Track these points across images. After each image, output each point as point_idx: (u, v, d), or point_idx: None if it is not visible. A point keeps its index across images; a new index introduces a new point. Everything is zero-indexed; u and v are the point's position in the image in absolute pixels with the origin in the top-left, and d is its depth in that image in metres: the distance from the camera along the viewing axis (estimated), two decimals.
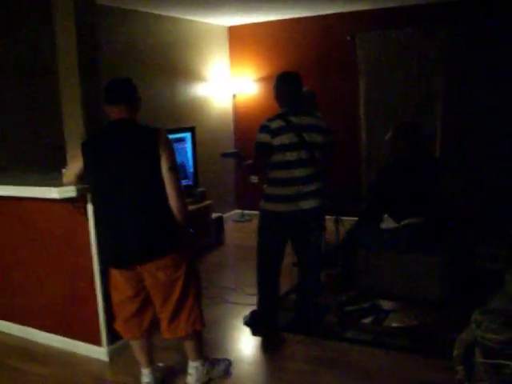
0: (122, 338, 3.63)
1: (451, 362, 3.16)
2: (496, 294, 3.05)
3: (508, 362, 2.37)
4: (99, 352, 3.62)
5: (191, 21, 6.66)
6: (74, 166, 3.02)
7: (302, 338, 3.86)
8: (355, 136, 6.64)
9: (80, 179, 3.06)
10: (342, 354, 3.61)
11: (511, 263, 4.44)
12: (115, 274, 2.98)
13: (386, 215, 4.39)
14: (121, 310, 3.06)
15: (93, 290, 3.53)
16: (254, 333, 3.96)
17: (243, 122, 7.42)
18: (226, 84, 7.35)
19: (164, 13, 6.13)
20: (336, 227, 5.52)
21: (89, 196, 3.36)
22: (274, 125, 3.62)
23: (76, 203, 3.41)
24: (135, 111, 2.92)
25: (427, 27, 6.10)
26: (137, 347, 3.15)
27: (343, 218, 5.59)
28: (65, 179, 3.16)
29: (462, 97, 6.08)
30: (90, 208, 3.38)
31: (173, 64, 6.38)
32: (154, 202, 2.79)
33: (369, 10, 6.38)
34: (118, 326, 3.13)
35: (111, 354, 3.62)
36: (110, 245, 2.89)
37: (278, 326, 4.00)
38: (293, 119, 3.64)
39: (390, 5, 6.16)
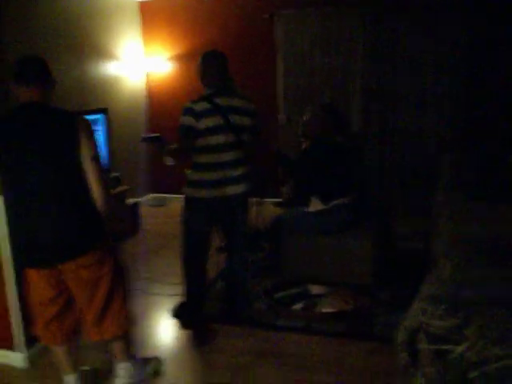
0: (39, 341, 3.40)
1: (389, 345, 3.17)
2: (428, 278, 3.03)
3: (453, 348, 2.34)
4: (13, 358, 3.30)
5: None
6: None
7: (232, 328, 3.74)
8: (272, 119, 6.53)
9: None
10: (274, 343, 3.52)
11: (429, 242, 4.52)
12: (32, 275, 2.68)
13: (313, 198, 4.31)
14: (40, 312, 2.76)
15: (2, 289, 3.20)
16: (184, 326, 3.78)
17: (157, 103, 7.13)
18: (139, 62, 7.00)
19: None
20: (257, 210, 5.42)
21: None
22: (199, 107, 3.41)
23: None
24: (48, 94, 2.63)
25: (346, 6, 6.05)
26: (59, 353, 2.87)
27: (264, 200, 5.51)
28: None
29: (380, 75, 6.11)
30: (1, 203, 3.05)
31: (81, 40, 5.96)
32: (72, 195, 2.54)
33: None
34: (38, 330, 2.83)
35: (28, 360, 3.31)
36: (26, 242, 2.59)
37: (207, 317, 3.85)
38: (219, 101, 3.45)
39: None
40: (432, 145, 6.02)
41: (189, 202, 3.61)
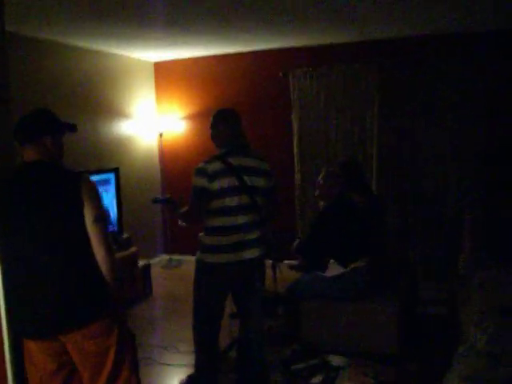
0: None
1: None
2: (461, 352, 2.78)
3: None
4: None
5: (115, 55, 6.28)
6: None
7: None
8: (289, 176, 6.40)
9: None
10: None
11: (455, 307, 4.26)
12: (31, 347, 2.45)
13: (331, 261, 4.08)
14: None
15: (2, 365, 2.98)
16: None
17: (171, 162, 7.04)
18: (152, 122, 6.96)
19: (86, 45, 5.71)
20: (274, 273, 5.20)
21: None
22: (212, 167, 3.26)
23: None
24: (56, 149, 2.46)
25: (358, 63, 6.01)
26: None
27: (280, 263, 5.31)
28: None
29: (395, 131, 5.99)
30: None
31: (95, 100, 5.95)
32: (76, 260, 2.35)
33: (301, 47, 6.24)
34: None
35: None
36: (24, 312, 2.37)
37: None
38: (232, 161, 3.31)
39: (322, 42, 6.04)
40: (454, 203, 5.81)
41: (202, 267, 3.42)
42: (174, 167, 6.97)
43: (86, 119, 5.76)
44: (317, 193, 4.35)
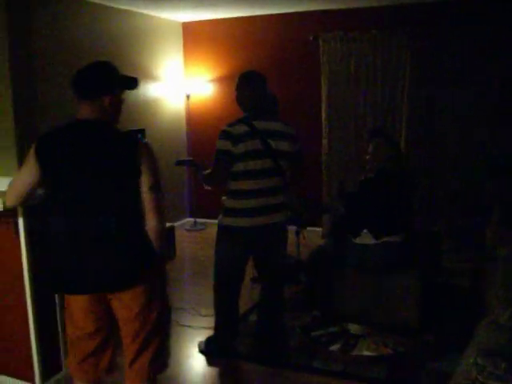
0: (57, 372, 3.22)
1: None
2: (483, 325, 2.73)
3: None
4: None
5: (142, 14, 6.20)
6: (21, 180, 2.35)
7: (263, 368, 3.47)
8: (316, 142, 6.31)
9: (27, 198, 2.42)
10: None
11: (479, 280, 4.19)
12: (73, 305, 2.41)
13: (365, 230, 4.01)
14: (76, 347, 2.50)
15: (25, 319, 3.03)
16: (211, 362, 3.54)
17: (197, 125, 6.99)
18: (179, 84, 6.90)
19: (113, 4, 5.64)
20: (297, 240, 5.18)
21: (20, 209, 2.88)
22: (236, 130, 3.21)
23: (4, 218, 2.91)
24: (114, 109, 2.35)
25: (391, 29, 5.83)
26: None
27: (304, 229, 5.27)
28: (8, 201, 2.46)
29: (426, 101, 5.84)
30: (21, 224, 2.90)
31: (122, 60, 5.84)
32: (132, 221, 2.33)
33: (332, 10, 6.07)
34: (70, 365, 2.56)
35: None
36: (74, 267, 2.30)
37: (237, 354, 3.60)
38: (257, 124, 3.25)
39: (355, 5, 5.87)
40: (483, 171, 5.66)
41: (224, 231, 3.41)
42: (200, 130, 6.92)
43: None
44: (368, 163, 4.22)
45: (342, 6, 5.95)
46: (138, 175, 2.27)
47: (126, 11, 5.92)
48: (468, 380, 2.19)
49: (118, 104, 2.38)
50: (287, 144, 3.34)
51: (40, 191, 2.44)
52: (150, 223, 2.33)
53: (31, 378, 3.13)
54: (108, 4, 5.59)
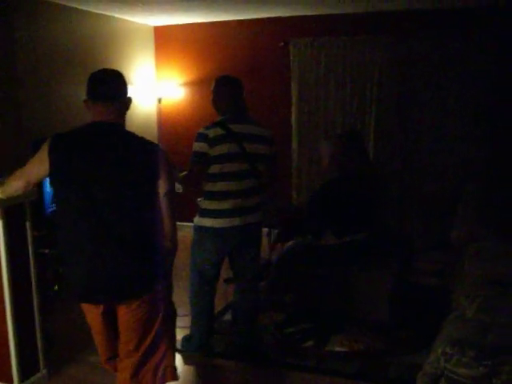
0: (35, 373, 3.25)
1: None
2: (451, 319, 2.86)
3: None
4: None
5: (115, 18, 6.21)
6: (30, 170, 2.38)
7: (238, 364, 3.57)
8: (286, 146, 6.42)
9: (32, 188, 2.49)
10: (284, 382, 3.34)
11: (451, 280, 4.35)
12: (88, 311, 2.43)
13: (326, 231, 4.13)
14: (100, 349, 2.56)
15: (3, 319, 3.04)
16: (188, 360, 3.61)
17: (169, 128, 7.01)
18: (151, 87, 6.93)
19: (86, 8, 5.64)
20: (268, 241, 5.28)
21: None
22: (212, 133, 3.29)
23: None
24: (124, 114, 2.42)
25: (360, 35, 5.98)
26: None
27: (276, 230, 5.38)
28: (8, 188, 2.52)
29: (394, 103, 6.01)
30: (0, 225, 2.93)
31: (94, 63, 5.86)
32: (146, 228, 2.33)
33: (302, 16, 6.19)
34: (103, 363, 2.62)
35: None
36: (84, 276, 2.29)
37: (213, 352, 3.68)
38: (233, 127, 3.34)
39: (324, 12, 5.99)
40: (452, 175, 5.86)
41: (200, 231, 3.48)
42: (171, 133, 6.94)
43: (82, 83, 5.64)
44: (324, 165, 4.29)
45: (312, 13, 6.07)
46: (157, 180, 2.31)
47: (98, 15, 5.93)
48: (437, 369, 2.32)
49: (129, 106, 2.44)
50: (263, 147, 3.44)
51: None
52: (166, 226, 2.38)
53: (9, 379, 3.13)
54: (80, 7, 5.59)
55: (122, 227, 2.26)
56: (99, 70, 2.45)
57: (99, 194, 2.23)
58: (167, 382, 2.55)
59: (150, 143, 2.41)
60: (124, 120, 2.44)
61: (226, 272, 4.01)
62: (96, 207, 2.23)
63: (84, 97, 2.44)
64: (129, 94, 2.47)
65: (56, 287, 4.47)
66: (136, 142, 2.37)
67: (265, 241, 4.64)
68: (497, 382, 2.11)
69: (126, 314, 2.37)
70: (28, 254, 3.12)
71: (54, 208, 2.41)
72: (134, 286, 2.31)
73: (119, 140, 2.34)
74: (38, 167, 2.34)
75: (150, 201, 2.33)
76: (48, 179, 2.39)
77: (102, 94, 2.35)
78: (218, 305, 4.00)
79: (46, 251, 4.09)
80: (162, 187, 2.34)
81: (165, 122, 7.05)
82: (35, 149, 4.12)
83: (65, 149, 2.28)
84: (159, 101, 6.95)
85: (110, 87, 2.38)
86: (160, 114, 7.03)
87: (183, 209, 3.32)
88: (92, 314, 2.40)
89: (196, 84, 6.79)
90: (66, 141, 2.31)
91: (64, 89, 5.42)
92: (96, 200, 2.23)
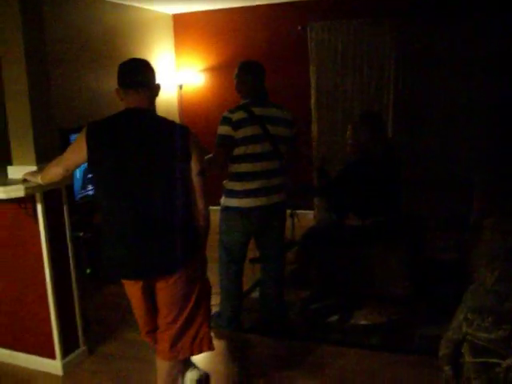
0: (76, 349, 3.44)
1: (428, 358, 3.13)
2: (471, 290, 2.98)
3: (499, 361, 2.29)
4: (53, 366, 3.33)
5: (134, 7, 6.35)
6: (68, 157, 2.54)
7: (267, 339, 3.72)
8: (306, 128, 6.52)
9: (70, 174, 2.67)
10: (311, 355, 3.48)
11: (468, 253, 4.44)
12: (129, 286, 2.57)
13: (350, 212, 4.23)
14: (141, 322, 2.69)
15: (45, 299, 3.23)
16: (219, 336, 3.76)
17: (190, 114, 7.16)
18: (172, 75, 7.07)
19: None
20: (292, 222, 5.41)
21: (38, 196, 3.07)
22: (236, 116, 3.42)
23: (23, 204, 3.10)
24: (154, 101, 2.55)
25: (377, 18, 6.03)
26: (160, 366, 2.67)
27: (298, 211, 5.52)
28: (47, 175, 2.72)
29: (412, 87, 6.06)
30: (39, 209, 3.09)
31: (114, 52, 6.03)
32: (182, 207, 2.46)
33: (320, 0, 6.25)
34: (143, 336, 2.75)
35: (65, 368, 3.33)
36: (124, 254, 2.42)
37: (242, 328, 3.84)
38: (256, 110, 3.46)
39: None
40: (468, 154, 5.91)
41: (226, 211, 3.61)
42: (193, 119, 7.08)
43: (103, 72, 5.84)
44: (348, 148, 4.36)
45: None
46: (189, 160, 2.43)
47: (118, 4, 6.07)
48: (459, 334, 2.44)
49: (158, 93, 2.56)
50: (284, 129, 3.56)
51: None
52: (199, 206, 2.51)
53: (52, 355, 3.33)
54: None
55: (158, 207, 2.39)
56: (128, 60, 2.56)
57: (135, 176, 2.37)
58: (203, 351, 2.68)
59: (181, 126, 2.54)
60: (154, 106, 2.56)
61: (252, 252, 4.15)
62: (133, 189, 2.37)
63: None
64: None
65: (88, 270, 4.66)
66: (167, 125, 2.49)
67: (288, 222, 4.79)
68: None
69: (163, 289, 2.51)
70: (66, 237, 3.30)
71: (94, 192, 2.57)
72: (170, 262, 2.44)
73: (152, 124, 2.47)
74: (76, 154, 2.49)
75: (184, 181, 2.45)
76: (86, 165, 2.54)
77: (133, 83, 2.46)
78: (246, 283, 4.15)
79: (81, 234, 4.29)
80: (195, 168, 2.46)
81: (186, 107, 7.20)
82: (63, 137, 4.35)
83: (101, 135, 2.42)
84: (180, 87, 7.09)
85: (140, 75, 2.48)
86: (181, 100, 7.18)
87: (211, 192, 3.43)
88: (132, 289, 2.54)
89: (215, 70, 6.91)
90: (102, 128, 2.45)
91: (87, 78, 5.60)
92: (133, 182, 2.37)
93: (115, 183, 2.40)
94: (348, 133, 4.30)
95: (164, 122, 2.51)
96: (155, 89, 2.55)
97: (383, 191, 4.19)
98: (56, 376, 3.32)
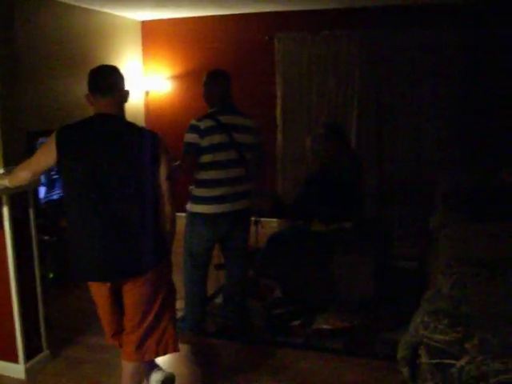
0: (39, 353, 3.42)
1: (389, 362, 3.23)
2: (428, 295, 3.09)
3: (453, 362, 2.40)
4: (16, 370, 3.30)
5: (103, 13, 6.34)
6: (37, 161, 2.56)
7: (230, 344, 3.78)
8: (271, 137, 6.61)
9: (38, 178, 2.71)
10: (274, 358, 3.55)
11: (427, 262, 4.59)
12: (94, 289, 2.60)
13: (314, 219, 4.35)
14: (106, 324, 2.71)
15: (9, 302, 3.21)
16: (182, 340, 3.79)
17: (156, 120, 7.16)
18: (139, 80, 7.08)
19: (74, 2, 5.77)
20: (256, 229, 5.47)
21: (5, 198, 3.07)
22: (204, 124, 3.49)
23: None
24: (123, 106, 2.60)
25: (343, 30, 6.19)
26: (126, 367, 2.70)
27: (262, 219, 5.58)
28: (16, 178, 2.70)
29: (376, 96, 6.23)
30: (6, 212, 3.09)
31: (81, 57, 6.00)
32: (151, 211, 2.52)
33: (288, 12, 6.37)
34: (108, 340, 2.78)
35: (28, 372, 3.31)
36: (90, 257, 2.46)
37: (206, 332, 3.88)
38: (222, 119, 3.54)
39: (309, 7, 6.18)
40: (429, 166, 6.11)
41: (193, 217, 3.67)
42: (158, 125, 7.04)
43: (71, 76, 5.79)
44: (309, 157, 4.51)
45: (297, 8, 6.26)
46: (158, 165, 2.50)
47: (85, 9, 6.04)
48: (416, 337, 2.54)
49: (127, 99, 2.61)
50: (250, 137, 3.65)
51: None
52: (166, 209, 2.57)
53: (15, 359, 3.30)
54: (69, 2, 5.71)
55: (127, 211, 2.45)
56: (98, 66, 2.61)
57: (104, 180, 2.42)
58: (168, 352, 2.74)
59: (150, 132, 2.60)
60: (124, 111, 2.61)
61: (217, 257, 4.21)
62: (102, 192, 2.42)
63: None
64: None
65: (51, 275, 4.63)
66: (137, 130, 2.56)
67: (252, 229, 4.86)
68: (468, 346, 2.33)
69: (131, 291, 2.55)
70: (31, 240, 3.29)
71: (63, 195, 2.60)
72: (138, 263, 2.49)
73: (121, 129, 2.52)
74: (45, 158, 2.52)
75: (152, 185, 2.51)
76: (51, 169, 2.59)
77: (102, 88, 2.51)
78: (211, 288, 4.20)
79: (46, 238, 4.27)
80: (163, 173, 2.53)
81: (152, 113, 7.21)
82: (29, 140, 4.34)
83: (71, 139, 2.46)
84: (147, 93, 7.11)
85: (109, 81, 2.54)
86: (147, 106, 7.19)
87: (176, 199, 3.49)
88: (100, 291, 2.57)
89: (182, 77, 6.95)
90: (72, 132, 2.49)
91: (55, 82, 5.57)
92: (102, 186, 2.42)
93: (84, 187, 2.43)
94: (307, 144, 4.44)
95: (133, 128, 2.57)
96: (124, 95, 2.60)
97: (344, 199, 4.32)
98: (19, 380, 3.29)
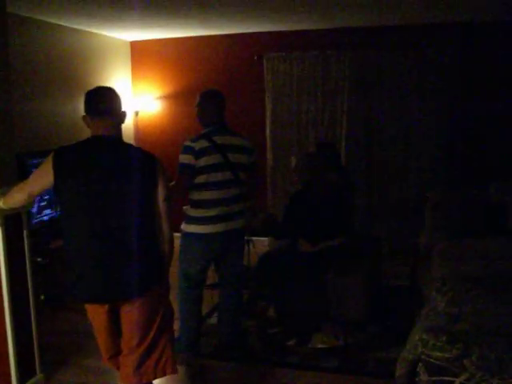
0: (32, 376, 3.38)
1: (382, 380, 3.24)
2: (423, 312, 3.11)
3: (453, 379, 2.41)
4: None
5: (93, 33, 6.37)
6: (33, 182, 2.54)
7: (226, 364, 3.76)
8: (261, 157, 6.62)
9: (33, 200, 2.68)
10: (270, 378, 3.54)
11: (418, 279, 4.61)
12: (91, 311, 2.59)
13: (301, 239, 4.36)
14: (103, 346, 2.70)
15: (2, 325, 3.17)
16: (177, 361, 3.77)
17: (146, 140, 7.16)
18: (128, 100, 7.09)
19: (63, 23, 5.79)
20: (248, 248, 5.46)
21: None
22: (198, 145, 3.50)
23: None
24: (120, 127, 2.59)
25: (331, 50, 6.28)
26: None
27: (254, 238, 5.58)
28: (11, 199, 2.68)
29: (365, 114, 6.31)
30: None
31: (70, 77, 6.02)
32: (149, 232, 2.52)
33: (276, 32, 6.46)
34: (105, 362, 2.77)
35: None
36: (91, 279, 2.44)
37: (201, 353, 3.86)
38: (217, 139, 3.55)
39: (297, 28, 6.26)
40: (417, 184, 6.18)
41: (187, 237, 3.66)
42: (148, 145, 7.04)
43: (61, 96, 5.82)
44: (295, 176, 4.54)
45: (285, 29, 6.34)
46: (156, 187, 2.50)
47: (75, 30, 6.07)
48: (414, 354, 2.56)
49: (124, 120, 2.62)
50: (244, 157, 3.66)
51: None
52: (164, 231, 2.57)
53: (8, 383, 3.26)
54: (57, 23, 5.73)
55: (124, 232, 2.44)
56: (95, 88, 2.61)
57: (102, 202, 2.41)
58: (167, 374, 2.71)
59: (147, 153, 2.60)
60: (121, 132, 2.62)
61: (212, 277, 4.19)
62: (100, 214, 2.41)
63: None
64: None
65: (42, 297, 4.59)
66: (134, 152, 2.57)
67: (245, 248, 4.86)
68: (467, 363, 2.35)
69: (129, 312, 2.53)
70: (25, 262, 3.27)
71: (59, 217, 2.59)
72: (136, 285, 2.48)
73: (119, 151, 2.53)
74: (41, 179, 2.51)
75: (150, 206, 2.52)
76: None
77: (100, 110, 2.51)
78: (205, 308, 4.18)
79: (38, 260, 4.23)
80: (161, 194, 2.54)
81: (142, 134, 7.21)
82: (20, 161, 4.32)
83: (68, 161, 2.45)
84: (136, 114, 7.12)
85: (106, 103, 2.54)
86: (137, 126, 7.20)
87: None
88: (97, 313, 2.56)
89: (172, 97, 6.98)
90: (69, 154, 2.48)
91: (45, 102, 5.56)
92: (99, 208, 2.41)
93: (82, 209, 2.42)
94: (292, 164, 4.47)
95: (131, 149, 2.58)
96: (121, 116, 2.61)
97: (331, 217, 4.34)
98: None
